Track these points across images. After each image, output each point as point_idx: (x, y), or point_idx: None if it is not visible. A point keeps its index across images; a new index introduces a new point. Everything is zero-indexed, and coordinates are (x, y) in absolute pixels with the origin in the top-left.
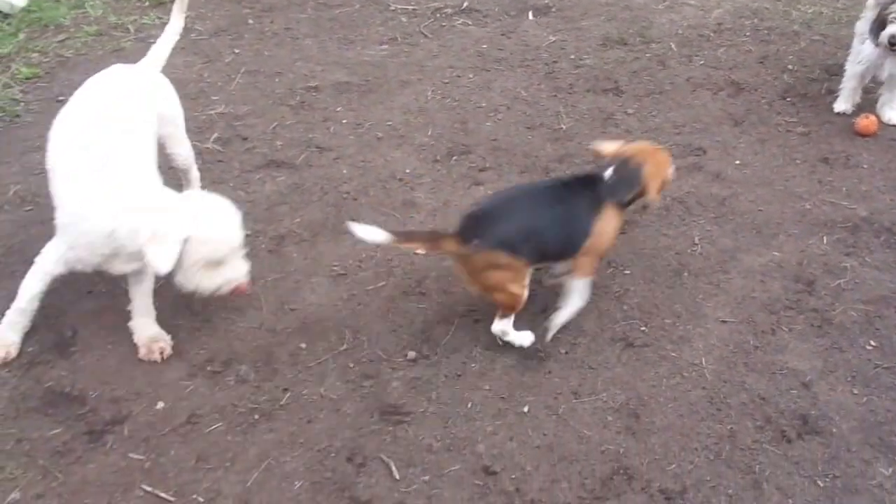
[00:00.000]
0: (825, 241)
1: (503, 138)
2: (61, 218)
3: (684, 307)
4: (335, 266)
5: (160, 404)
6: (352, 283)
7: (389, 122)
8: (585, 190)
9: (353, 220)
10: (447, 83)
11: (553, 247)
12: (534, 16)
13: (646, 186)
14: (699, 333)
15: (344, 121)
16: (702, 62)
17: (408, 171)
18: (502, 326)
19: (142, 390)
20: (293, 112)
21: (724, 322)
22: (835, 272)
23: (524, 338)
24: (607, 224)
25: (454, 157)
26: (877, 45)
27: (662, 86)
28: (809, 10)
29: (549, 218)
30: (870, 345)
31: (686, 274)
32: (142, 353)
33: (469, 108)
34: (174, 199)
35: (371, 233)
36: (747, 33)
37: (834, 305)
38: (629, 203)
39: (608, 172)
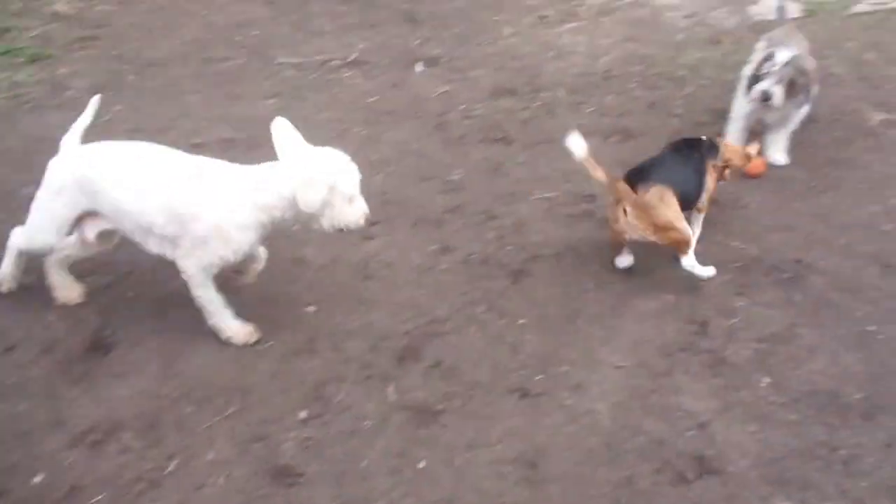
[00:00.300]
0: (717, 281)
1: (393, 191)
2: (201, 232)
3: (580, 354)
4: None
5: (38, 477)
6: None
7: None
8: (696, 152)
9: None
10: (335, 137)
11: (689, 195)
12: (423, 67)
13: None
14: (595, 380)
15: None
16: (591, 109)
17: (296, 227)
18: (689, 262)
19: (18, 462)
20: None
21: (619, 367)
22: (727, 312)
23: (708, 270)
24: (712, 180)
25: None
26: (750, 100)
27: (552, 134)
28: (695, 56)
29: (685, 173)
30: (763, 382)
31: (580, 320)
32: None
33: (358, 161)
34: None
35: (577, 145)
36: (635, 80)
37: (727, 345)
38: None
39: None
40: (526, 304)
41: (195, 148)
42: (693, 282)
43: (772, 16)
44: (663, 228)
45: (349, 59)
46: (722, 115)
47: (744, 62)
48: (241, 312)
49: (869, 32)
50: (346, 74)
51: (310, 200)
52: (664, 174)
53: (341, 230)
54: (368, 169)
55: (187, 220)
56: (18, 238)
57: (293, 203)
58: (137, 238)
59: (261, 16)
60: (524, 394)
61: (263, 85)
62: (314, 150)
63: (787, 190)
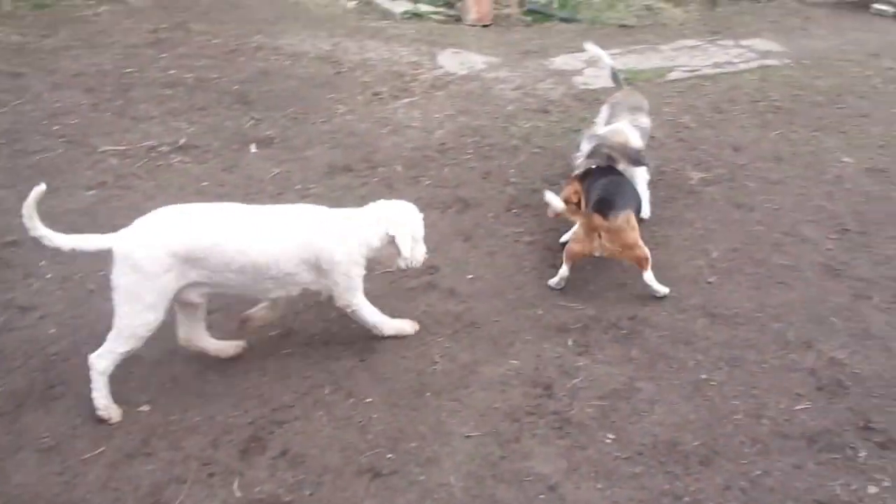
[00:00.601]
0: (559, 343)
1: None
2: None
3: (429, 427)
4: (44, 438)
5: None
6: (65, 454)
7: (102, 272)
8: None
9: (63, 383)
10: None
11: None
12: (256, 148)
13: None
14: (446, 452)
15: (49, 275)
16: (428, 182)
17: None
18: (649, 277)
19: None
20: None
21: (469, 437)
22: (570, 373)
23: (664, 289)
24: None
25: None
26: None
27: None
28: (526, 125)
29: (634, 194)
30: (608, 438)
31: (428, 394)
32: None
33: None
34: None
35: (554, 201)
36: (470, 151)
37: (572, 405)
38: None
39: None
40: (373, 381)
41: (9, 247)
42: (537, 346)
43: (595, 85)
44: (630, 248)
45: (178, 144)
46: (555, 181)
47: (572, 129)
48: (71, 419)
49: (683, 97)
50: (176, 160)
51: (404, 242)
52: (624, 200)
53: (407, 267)
54: None
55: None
56: (110, 356)
57: (389, 243)
58: (249, 290)
59: (80, 103)
60: (376, 474)
61: (85, 175)
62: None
63: None
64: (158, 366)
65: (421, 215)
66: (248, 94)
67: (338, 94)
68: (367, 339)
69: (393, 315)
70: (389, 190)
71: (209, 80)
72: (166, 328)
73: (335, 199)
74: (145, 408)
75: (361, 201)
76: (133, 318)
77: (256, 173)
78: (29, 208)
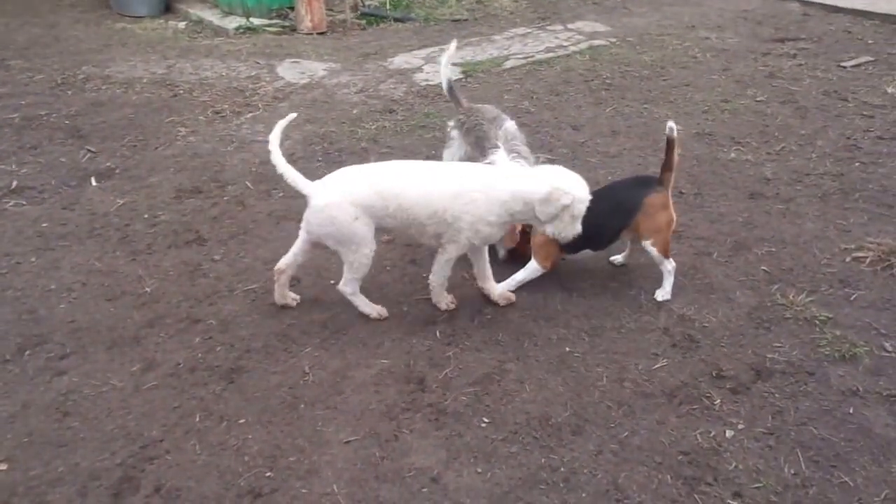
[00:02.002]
0: (427, 336)
1: (82, 317)
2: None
3: (306, 439)
4: None
5: None
6: None
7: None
8: None
9: None
10: (5, 273)
11: None
12: (97, 182)
13: None
14: (326, 461)
15: None
16: (281, 194)
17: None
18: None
19: None
20: None
21: (347, 442)
22: (440, 364)
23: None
24: None
25: (27, 352)
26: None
27: (246, 225)
28: (373, 127)
29: None
30: (483, 422)
31: (302, 405)
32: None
33: (36, 293)
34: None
35: None
36: (319, 158)
37: (445, 395)
38: None
39: None
40: (244, 402)
41: None
42: (406, 342)
43: (435, 80)
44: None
45: (11, 187)
46: None
47: (418, 125)
48: None
49: (521, 83)
50: (10, 204)
51: (547, 212)
52: None
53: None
54: (49, 300)
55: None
56: (353, 282)
57: (531, 208)
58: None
59: None
60: (257, 495)
61: None
62: (559, 171)
63: None
64: (11, 421)
65: (586, 192)
66: (81, 128)
67: (177, 116)
68: (235, 358)
69: (256, 331)
70: (242, 207)
71: (37, 118)
72: (7, 382)
73: (185, 223)
74: (2, 467)
75: (213, 222)
76: (351, 255)
77: (100, 207)
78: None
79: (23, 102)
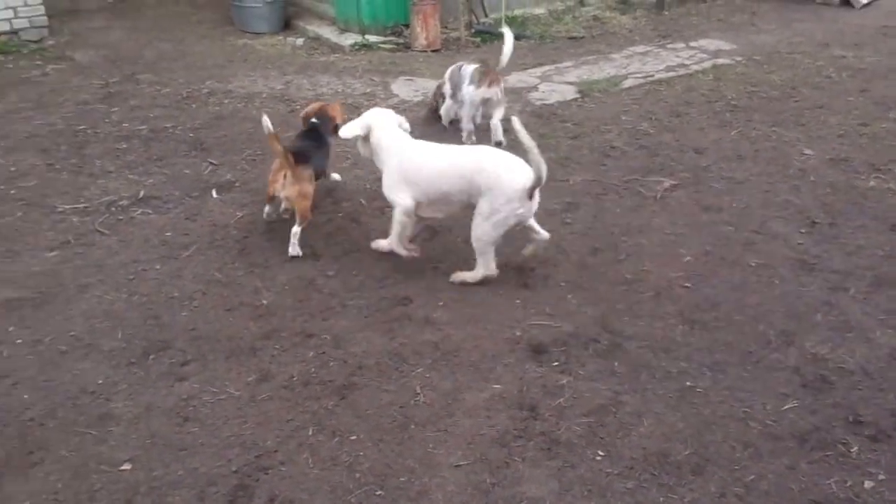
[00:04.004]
0: (540, 363)
1: (202, 326)
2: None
3: (416, 460)
4: None
5: None
6: None
7: (72, 333)
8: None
9: (41, 448)
10: (132, 279)
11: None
12: (217, 194)
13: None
14: (436, 484)
15: (18, 341)
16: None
17: (100, 381)
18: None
19: None
20: None
21: (458, 466)
22: (554, 392)
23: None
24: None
25: (151, 356)
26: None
27: (359, 243)
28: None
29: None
30: (598, 455)
31: (413, 426)
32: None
33: (160, 300)
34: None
35: (266, 123)
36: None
37: (559, 424)
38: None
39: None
40: (356, 418)
41: None
42: (519, 368)
43: (551, 100)
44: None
45: (139, 197)
46: None
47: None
48: (52, 485)
49: (640, 104)
50: (137, 213)
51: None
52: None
53: None
54: (172, 307)
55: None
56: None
57: None
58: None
59: (35, 165)
60: None
61: (46, 236)
62: None
63: (590, 263)
64: (135, 423)
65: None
66: (204, 141)
67: (294, 131)
68: (348, 374)
69: (368, 348)
70: (356, 224)
71: (164, 130)
72: (132, 384)
73: (301, 238)
74: (126, 466)
75: (328, 238)
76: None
77: (220, 219)
78: None
79: (151, 115)
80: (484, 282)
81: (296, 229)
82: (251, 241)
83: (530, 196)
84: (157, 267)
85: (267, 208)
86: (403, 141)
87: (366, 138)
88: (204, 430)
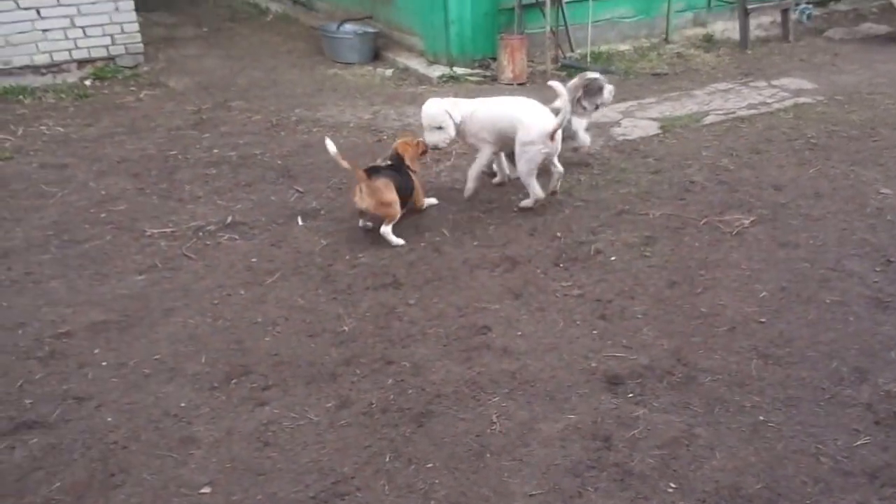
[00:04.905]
0: (615, 395)
1: (284, 351)
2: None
3: (491, 489)
4: None
5: None
6: None
7: (157, 356)
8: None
9: (123, 471)
10: (217, 303)
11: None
12: (303, 221)
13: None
14: None
15: (104, 363)
16: (476, 243)
17: (183, 404)
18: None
19: None
20: (42, 364)
21: (532, 496)
22: (628, 423)
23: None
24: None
25: (233, 381)
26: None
27: (440, 272)
28: (569, 179)
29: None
30: (670, 487)
31: (488, 455)
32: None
33: (244, 325)
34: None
35: (330, 145)
36: (514, 209)
37: (632, 456)
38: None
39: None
40: (433, 446)
41: (61, 338)
42: (594, 399)
43: (633, 135)
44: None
45: (226, 222)
46: (600, 232)
47: (614, 180)
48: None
49: (721, 140)
50: (224, 238)
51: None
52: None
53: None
54: (255, 332)
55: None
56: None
57: None
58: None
59: (126, 189)
60: None
61: (134, 260)
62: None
63: (667, 296)
64: (216, 446)
65: None
66: (291, 168)
67: (381, 161)
68: (426, 402)
69: (446, 376)
70: (437, 253)
71: (252, 157)
72: (214, 408)
73: (383, 266)
74: (206, 490)
75: (409, 267)
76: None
77: (304, 246)
78: None
79: (241, 142)
80: (535, 205)
81: (383, 228)
82: (335, 269)
83: (552, 137)
84: (242, 292)
85: (360, 221)
86: (464, 106)
87: (441, 128)
88: (283, 456)
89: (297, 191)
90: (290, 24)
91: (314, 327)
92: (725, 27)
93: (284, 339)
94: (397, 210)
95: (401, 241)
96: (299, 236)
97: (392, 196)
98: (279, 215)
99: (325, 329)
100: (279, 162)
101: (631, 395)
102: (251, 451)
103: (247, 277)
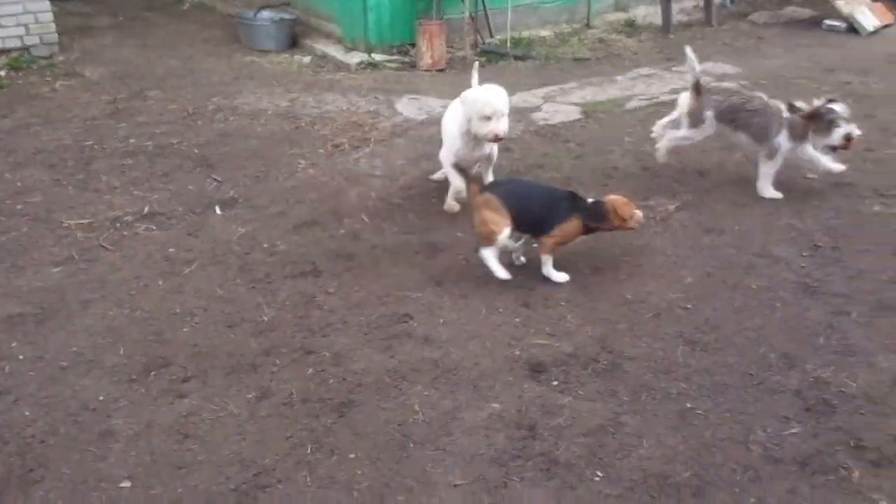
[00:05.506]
0: (540, 382)
1: (203, 342)
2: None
3: (414, 479)
4: None
5: None
6: None
7: (74, 349)
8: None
9: (42, 466)
10: (134, 295)
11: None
12: (221, 210)
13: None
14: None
15: (20, 357)
16: (396, 230)
17: (101, 397)
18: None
19: None
20: None
21: (455, 486)
22: (553, 412)
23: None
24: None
25: (152, 373)
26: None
27: (360, 259)
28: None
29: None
30: (597, 476)
31: (412, 444)
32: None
33: (162, 316)
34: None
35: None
36: (434, 195)
37: (557, 445)
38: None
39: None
40: (354, 437)
41: None
42: (518, 387)
43: (554, 120)
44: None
45: (143, 213)
46: None
47: (536, 165)
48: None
49: (644, 125)
50: (141, 228)
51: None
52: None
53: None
54: (174, 323)
55: None
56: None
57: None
58: None
59: (42, 180)
60: None
61: (51, 251)
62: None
63: (592, 282)
64: (135, 439)
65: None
66: (209, 157)
67: (298, 149)
68: (347, 392)
69: (368, 366)
70: (357, 240)
71: (169, 146)
72: (132, 401)
73: (302, 254)
74: (126, 484)
75: (329, 255)
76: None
77: (222, 235)
78: None
79: (157, 131)
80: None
81: (481, 251)
82: (253, 258)
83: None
84: (160, 283)
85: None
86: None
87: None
88: (203, 448)
89: (215, 180)
90: (207, 13)
91: (233, 317)
92: (647, 12)
93: (203, 329)
94: (489, 234)
95: (520, 262)
96: (217, 225)
97: (489, 215)
98: (197, 205)
99: (245, 319)
100: (196, 151)
101: (556, 382)
102: (171, 443)
103: (164, 268)
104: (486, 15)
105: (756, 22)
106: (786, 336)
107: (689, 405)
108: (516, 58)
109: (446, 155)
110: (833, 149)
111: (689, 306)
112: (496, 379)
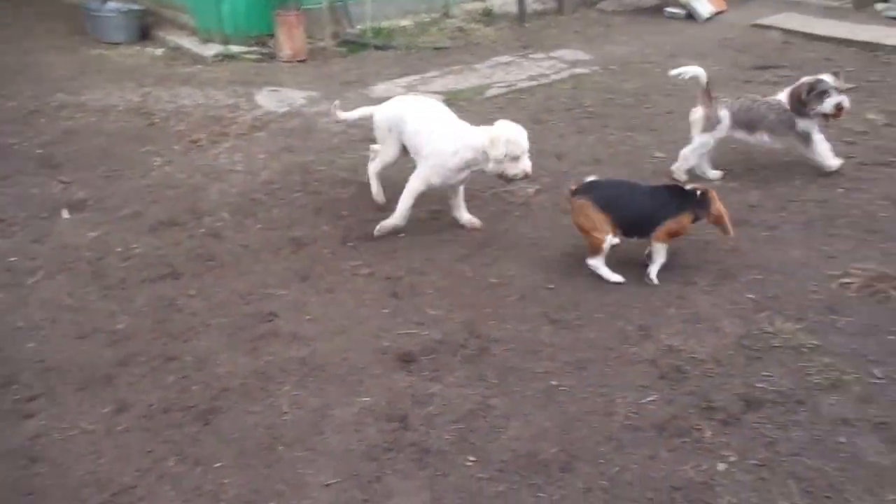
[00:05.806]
0: (409, 373)
1: (51, 357)
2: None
3: (285, 482)
4: None
5: None
6: None
7: None
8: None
9: None
10: None
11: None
12: (69, 213)
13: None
14: None
15: None
16: (259, 226)
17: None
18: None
19: None
20: None
21: (327, 485)
22: (423, 401)
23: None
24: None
25: None
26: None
27: (222, 258)
28: (353, 157)
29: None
30: (468, 461)
31: (281, 447)
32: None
33: (4, 332)
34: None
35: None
36: (298, 189)
37: (429, 434)
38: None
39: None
40: (221, 444)
41: None
42: (387, 379)
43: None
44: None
45: None
46: (387, 209)
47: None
48: None
49: (503, 112)
50: None
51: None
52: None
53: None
54: (17, 338)
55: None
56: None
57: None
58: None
59: None
60: None
61: None
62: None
63: (457, 269)
64: None
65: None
66: (53, 157)
67: (153, 146)
68: (211, 398)
69: (233, 369)
70: (218, 239)
71: (8, 147)
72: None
73: (160, 257)
74: None
75: (189, 255)
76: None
77: (71, 240)
78: None
79: None
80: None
81: (588, 261)
82: (105, 263)
83: None
84: (1, 296)
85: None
86: None
87: None
88: (54, 471)
89: (62, 181)
90: (50, 3)
91: (84, 328)
92: (504, 1)
93: (51, 343)
94: (594, 241)
95: (619, 280)
96: (65, 230)
97: (586, 219)
98: (42, 209)
99: (97, 329)
100: (39, 151)
101: (425, 371)
102: (17, 469)
103: (6, 279)
104: (346, 5)
105: (605, 10)
106: (641, 308)
107: (554, 383)
108: (377, 48)
109: (427, 180)
110: (825, 118)
111: (551, 286)
112: (365, 373)
